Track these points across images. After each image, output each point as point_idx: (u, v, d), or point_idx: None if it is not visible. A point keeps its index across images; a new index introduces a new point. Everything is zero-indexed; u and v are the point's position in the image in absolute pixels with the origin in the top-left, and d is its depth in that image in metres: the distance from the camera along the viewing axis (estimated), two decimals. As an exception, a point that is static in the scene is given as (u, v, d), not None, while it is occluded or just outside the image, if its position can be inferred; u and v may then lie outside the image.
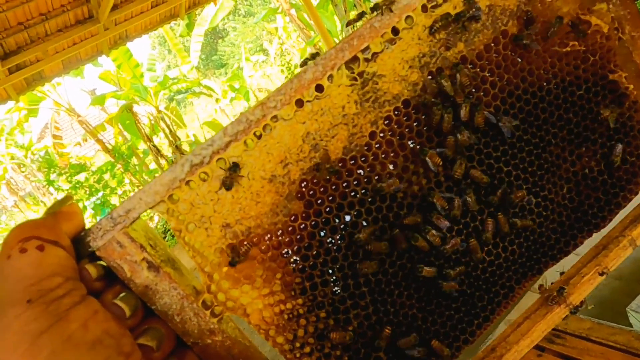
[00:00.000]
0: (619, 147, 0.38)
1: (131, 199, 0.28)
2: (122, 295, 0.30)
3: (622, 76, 0.38)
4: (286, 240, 0.32)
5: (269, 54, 19.39)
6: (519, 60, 0.37)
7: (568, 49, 0.37)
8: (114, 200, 8.63)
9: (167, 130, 8.92)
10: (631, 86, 0.39)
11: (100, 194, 8.34)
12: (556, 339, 0.84)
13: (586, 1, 0.37)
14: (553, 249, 0.40)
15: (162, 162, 8.77)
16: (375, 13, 0.34)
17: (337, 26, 10.61)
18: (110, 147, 8.40)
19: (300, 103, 0.32)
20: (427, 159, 0.34)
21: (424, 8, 0.35)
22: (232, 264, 0.33)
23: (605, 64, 0.38)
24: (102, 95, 8.79)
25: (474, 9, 0.35)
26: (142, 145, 9.30)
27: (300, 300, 0.33)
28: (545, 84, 0.38)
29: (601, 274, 0.40)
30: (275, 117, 0.31)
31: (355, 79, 0.34)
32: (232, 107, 16.37)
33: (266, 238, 0.32)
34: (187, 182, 0.30)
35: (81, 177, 8.24)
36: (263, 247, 0.32)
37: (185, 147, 9.04)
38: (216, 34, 36.45)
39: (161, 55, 36.63)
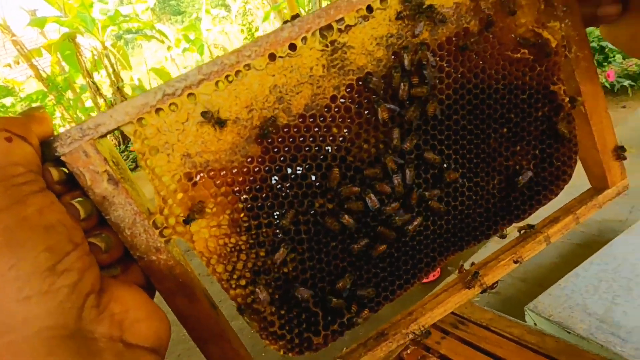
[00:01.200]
0: (529, 174, 0.44)
1: (102, 115, 0.29)
2: (79, 199, 0.31)
3: (561, 89, 0.43)
4: (239, 179, 0.35)
5: (231, 11, 18.73)
6: (475, 57, 0.40)
7: (519, 55, 0.41)
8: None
9: (110, 69, 8.42)
10: (567, 99, 0.44)
11: (26, 123, 7.79)
12: (460, 324, 0.92)
13: (542, 16, 0.41)
14: (476, 230, 0.45)
15: (100, 101, 8.31)
16: None
17: (305, -4, 10.43)
18: (44, 75, 7.81)
19: (273, 57, 0.34)
20: (378, 109, 0.37)
21: None
22: (186, 221, 0.35)
23: (549, 75, 0.43)
24: (44, 18, 8.12)
25: (440, 15, 0.38)
26: (80, 80, 8.74)
27: (244, 237, 0.35)
28: (494, 83, 0.41)
29: (515, 262, 0.45)
30: (248, 65, 0.33)
31: (327, 46, 0.36)
32: (184, 57, 15.73)
33: (222, 173, 0.34)
34: (157, 110, 0.31)
35: (7, 101, 7.63)
36: (217, 182, 0.34)
37: (128, 90, 8.60)
38: (178, -22, 34.56)
39: (115, -12, 34.30)
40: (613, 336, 0.88)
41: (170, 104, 0.32)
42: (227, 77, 0.33)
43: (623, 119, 2.02)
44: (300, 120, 0.35)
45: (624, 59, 4.52)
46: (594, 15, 0.40)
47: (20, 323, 0.23)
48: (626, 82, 4.18)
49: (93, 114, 6.00)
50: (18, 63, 8.38)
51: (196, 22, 14.36)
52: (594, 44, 4.91)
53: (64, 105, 7.89)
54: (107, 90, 8.71)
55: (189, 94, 0.32)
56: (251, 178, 0.34)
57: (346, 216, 0.37)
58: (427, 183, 0.41)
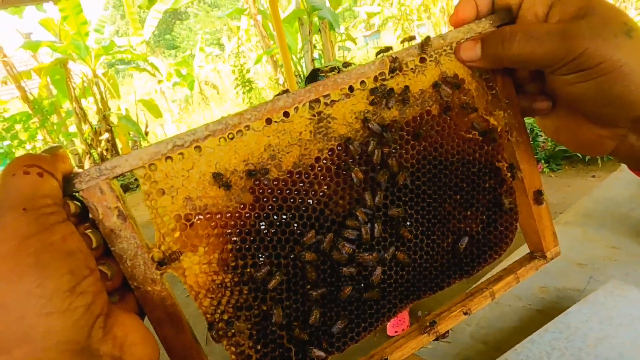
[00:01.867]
0: (465, 239, 0.50)
1: (118, 159, 0.34)
2: (90, 230, 0.35)
3: (504, 166, 0.50)
4: (232, 222, 0.39)
5: (225, 50, 19.16)
6: (435, 134, 0.47)
7: (470, 136, 0.48)
8: (19, 153, 7.99)
9: (98, 97, 8.46)
10: (509, 174, 0.51)
11: (5, 142, 7.69)
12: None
13: (489, 106, 0.48)
14: (432, 282, 0.50)
15: (85, 127, 8.29)
16: (341, 71, 0.44)
17: (297, 44, 10.78)
18: (31, 97, 7.81)
19: (269, 121, 0.40)
20: (352, 174, 0.43)
21: (375, 79, 0.45)
22: (160, 263, 0.39)
23: (495, 154, 0.50)
24: (38, 42, 8.20)
25: (406, 98, 0.45)
26: (66, 105, 8.74)
27: (230, 276, 0.39)
28: (450, 156, 0.48)
29: (465, 314, 0.50)
30: (247, 126, 0.39)
31: (314, 115, 0.42)
32: (174, 91, 15.90)
33: (217, 217, 0.38)
34: (167, 158, 0.36)
35: (-12, 120, 7.56)
36: (212, 224, 0.38)
37: (114, 118, 8.62)
38: (175, 15, 35.39)
39: (112, 18, 34.85)
40: (562, 404, 0.91)
41: (179, 153, 0.36)
42: (229, 135, 0.38)
43: (590, 189, 2.12)
44: (288, 175, 0.41)
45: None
46: (531, 108, 0.46)
47: (41, 335, 0.26)
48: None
49: (76, 140, 5.91)
50: (6, 83, 8.37)
51: (190, 58, 14.62)
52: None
53: (47, 129, 7.85)
54: (93, 117, 8.71)
55: (196, 147, 0.37)
56: (242, 222, 0.39)
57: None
58: (392, 237, 0.46)
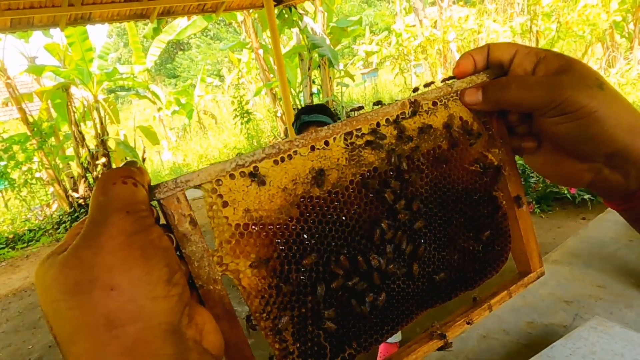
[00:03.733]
0: (442, 275, 0.56)
1: (191, 174, 0.38)
2: (167, 233, 0.40)
3: (500, 195, 0.57)
4: (280, 233, 0.45)
5: (225, 82, 19.48)
6: (444, 165, 0.54)
7: (473, 168, 0.55)
8: (15, 175, 8.00)
9: (97, 122, 8.55)
10: (504, 202, 0.58)
11: (2, 163, 7.71)
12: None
13: (487, 144, 0.55)
14: (442, 294, 0.56)
15: (83, 151, 8.33)
16: (374, 107, 0.50)
17: (297, 78, 11.02)
18: (31, 119, 7.88)
19: (313, 148, 0.46)
20: (385, 195, 0.49)
21: (397, 117, 0.52)
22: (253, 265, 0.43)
23: (492, 185, 0.57)
24: (42, 66, 8.34)
25: (424, 133, 0.52)
26: (65, 129, 8.81)
27: (276, 280, 0.45)
28: (456, 185, 0.55)
29: (467, 323, 0.56)
30: (295, 151, 0.45)
31: (348, 145, 0.49)
32: (172, 119, 16.07)
33: (269, 227, 0.44)
34: (231, 175, 0.42)
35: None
36: (264, 234, 0.44)
37: (111, 143, 8.68)
38: (178, 45, 36.08)
39: (115, 45, 35.43)
40: None
41: (240, 172, 0.42)
42: (281, 157, 0.44)
43: (578, 230, 2.18)
44: (327, 194, 0.47)
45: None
46: (520, 147, 0.53)
47: (148, 315, 0.31)
48: (586, 196, 4.47)
49: (72, 163, 5.93)
50: (7, 105, 8.45)
51: (190, 88, 14.84)
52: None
53: (44, 151, 7.88)
54: (91, 141, 8.76)
55: (254, 166, 0.42)
56: (289, 233, 0.44)
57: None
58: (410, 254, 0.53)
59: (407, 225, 0.50)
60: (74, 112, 8.28)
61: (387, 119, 0.50)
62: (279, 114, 10.97)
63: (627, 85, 9.16)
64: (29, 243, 7.66)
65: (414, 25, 15.07)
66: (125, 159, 8.89)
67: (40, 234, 7.78)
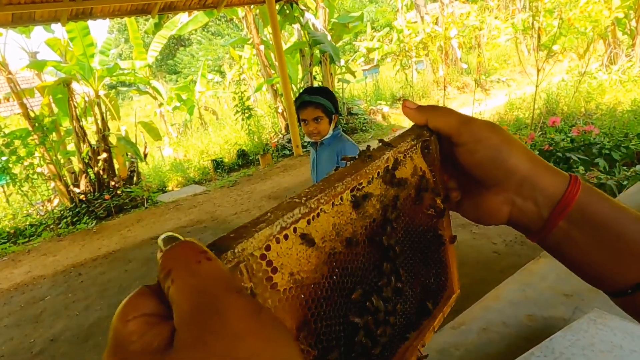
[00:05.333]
0: (414, 309, 0.58)
1: (245, 243, 0.37)
2: None
3: (444, 233, 0.60)
4: (314, 292, 0.46)
5: (226, 78, 19.48)
6: (411, 210, 0.58)
7: (429, 212, 0.58)
8: (16, 170, 8.02)
9: (98, 117, 8.56)
10: (448, 239, 0.61)
11: (3, 157, 7.72)
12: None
13: (435, 191, 0.60)
14: (413, 325, 0.58)
15: (84, 146, 8.35)
16: (364, 161, 0.52)
17: (298, 74, 11.02)
18: (32, 115, 7.89)
19: (333, 205, 0.46)
20: (383, 242, 0.51)
21: (386, 169, 0.53)
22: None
23: (438, 225, 0.61)
24: (43, 61, 8.34)
25: (402, 184, 0.55)
26: (67, 124, 8.83)
27: (305, 331, 0.45)
28: (418, 226, 0.57)
29: (422, 346, 0.58)
30: (322, 209, 0.46)
31: (353, 199, 0.50)
32: (174, 115, 16.08)
33: (307, 288, 0.45)
34: (276, 239, 0.42)
35: (-12, 133, 7.62)
36: (302, 295, 0.45)
37: (112, 139, 8.70)
38: (179, 41, 36.04)
39: (116, 41, 35.37)
40: (543, 423, 0.95)
41: (284, 235, 0.41)
42: (312, 217, 0.44)
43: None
44: (346, 248, 0.48)
45: (586, 171, 4.86)
46: (449, 197, 0.59)
47: None
48: (586, 193, 4.47)
49: (73, 158, 5.97)
50: (8, 100, 8.46)
51: (191, 84, 14.84)
52: (559, 154, 5.29)
53: (46, 146, 7.90)
54: (92, 137, 8.78)
55: (294, 228, 0.42)
56: (320, 291, 0.45)
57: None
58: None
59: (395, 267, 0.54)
60: (75, 108, 8.29)
61: (378, 172, 0.53)
62: (280, 110, 10.97)
63: (628, 82, 9.15)
64: (31, 238, 7.69)
65: (415, 22, 15.05)
66: (127, 154, 8.92)
67: (42, 229, 7.80)
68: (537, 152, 5.49)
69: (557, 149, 5.36)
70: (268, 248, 0.40)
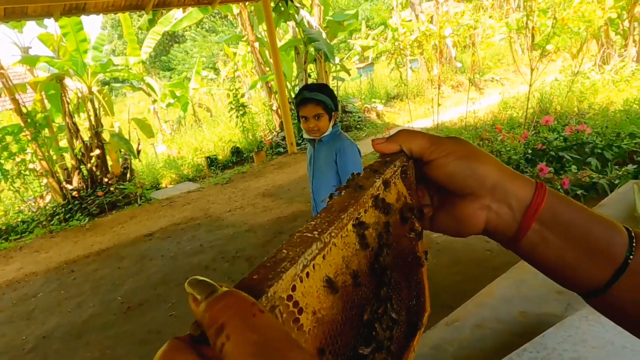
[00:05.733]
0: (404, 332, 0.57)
1: (276, 285, 0.36)
2: None
3: (422, 254, 0.60)
4: (332, 329, 0.45)
5: (220, 75, 19.40)
6: (398, 236, 0.57)
7: (410, 235, 0.58)
8: (8, 166, 7.95)
9: (91, 113, 8.51)
10: (424, 260, 0.61)
11: (-5, 153, 7.66)
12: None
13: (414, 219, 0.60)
14: (405, 346, 0.59)
15: (76, 143, 8.29)
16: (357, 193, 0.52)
17: (293, 72, 11.01)
18: (24, 110, 7.82)
19: (340, 237, 0.46)
20: (379, 269, 0.52)
21: (376, 197, 0.54)
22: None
23: (417, 247, 0.60)
24: (36, 57, 8.28)
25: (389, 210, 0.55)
26: (59, 120, 8.76)
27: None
28: (402, 249, 0.58)
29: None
30: (333, 242, 0.45)
31: (355, 230, 0.49)
32: (167, 112, 16.01)
33: (325, 322, 0.44)
34: (300, 278, 0.41)
35: (-21, 130, 7.55)
36: (323, 331, 0.44)
37: (106, 135, 8.65)
38: (173, 37, 35.86)
39: (109, 37, 35.12)
40: (536, 418, 0.96)
41: (306, 273, 0.40)
42: (327, 251, 0.44)
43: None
44: (354, 280, 0.48)
45: (578, 170, 4.90)
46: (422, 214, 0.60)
47: None
48: (579, 191, 4.51)
49: (66, 155, 5.92)
50: (0, 96, 8.38)
51: (185, 80, 14.78)
52: (552, 153, 5.32)
53: (38, 143, 7.84)
54: (85, 133, 8.72)
55: (314, 264, 0.41)
56: (335, 327, 0.44)
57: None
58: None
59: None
60: (68, 104, 8.23)
61: (372, 200, 0.54)
62: (274, 108, 10.94)
63: (621, 82, 9.22)
64: (22, 235, 7.64)
65: (410, 20, 15.07)
66: (120, 151, 8.87)
67: (34, 225, 7.75)
68: (531, 151, 5.53)
69: (550, 148, 5.40)
70: (294, 289, 0.39)
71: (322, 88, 2.52)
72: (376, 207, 0.54)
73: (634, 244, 0.43)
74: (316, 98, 2.44)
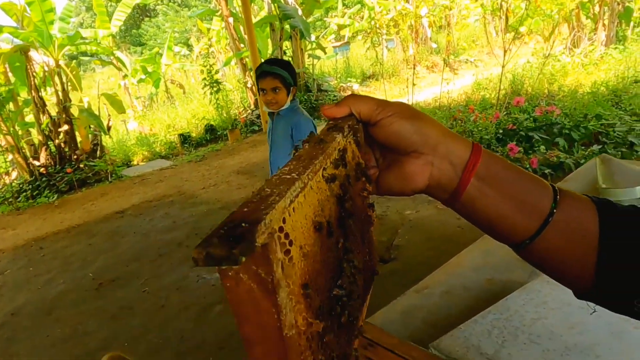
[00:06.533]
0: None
1: (271, 214, 0.36)
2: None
3: (373, 212, 0.62)
4: (312, 263, 0.45)
5: (193, 51, 18.96)
6: (354, 193, 0.58)
7: (363, 194, 0.59)
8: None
9: (59, 88, 8.23)
10: (374, 218, 0.63)
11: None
12: (369, 347, 1.03)
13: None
14: (364, 298, 0.61)
15: (43, 118, 8.02)
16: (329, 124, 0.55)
17: (268, 49, 10.85)
18: (-13, 83, 7.51)
19: (315, 182, 0.47)
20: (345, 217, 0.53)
21: (339, 151, 0.55)
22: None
23: (367, 206, 0.62)
24: (-2, 27, 7.92)
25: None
26: (25, 95, 8.45)
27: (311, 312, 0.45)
28: (357, 208, 0.59)
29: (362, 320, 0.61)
30: (310, 185, 0.45)
31: (325, 179, 0.50)
32: (139, 88, 15.60)
33: (309, 258, 0.44)
34: (288, 212, 0.41)
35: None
36: (307, 269, 0.43)
37: (74, 111, 8.39)
38: (144, 11, 34.75)
39: (77, 9, 33.78)
40: (498, 372, 1.02)
41: (292, 208, 0.41)
42: (306, 192, 0.44)
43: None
44: (328, 224, 0.49)
45: (546, 149, 5.03)
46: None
47: None
48: (547, 170, 4.64)
49: (32, 130, 5.72)
50: (-40, 67, 8.01)
51: (157, 56, 14.39)
52: (522, 133, 5.44)
53: (2, 117, 7.56)
54: (52, 108, 8.45)
55: (297, 201, 0.42)
56: (315, 266, 0.45)
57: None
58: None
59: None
60: (33, 77, 7.94)
61: (336, 153, 0.54)
62: (249, 85, 10.80)
63: (589, 66, 9.44)
64: (-13, 212, 7.42)
65: (386, -1, 14.98)
66: (90, 127, 8.64)
67: (0, 202, 7.53)
68: (502, 131, 5.64)
69: (521, 128, 5.52)
70: (284, 221, 0.40)
71: (282, 63, 2.59)
72: (337, 160, 0.55)
73: (558, 198, 0.47)
74: (274, 72, 2.50)
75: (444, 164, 0.52)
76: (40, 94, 8.03)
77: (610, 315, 1.06)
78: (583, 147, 4.99)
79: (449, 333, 1.12)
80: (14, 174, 8.23)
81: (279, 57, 10.32)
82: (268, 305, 0.36)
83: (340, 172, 0.55)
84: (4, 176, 8.22)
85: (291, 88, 2.59)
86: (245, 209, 0.37)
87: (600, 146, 4.86)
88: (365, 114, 0.55)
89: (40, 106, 8.00)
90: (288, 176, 0.45)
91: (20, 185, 7.86)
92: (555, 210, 0.47)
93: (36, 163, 8.02)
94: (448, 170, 0.52)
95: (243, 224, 0.34)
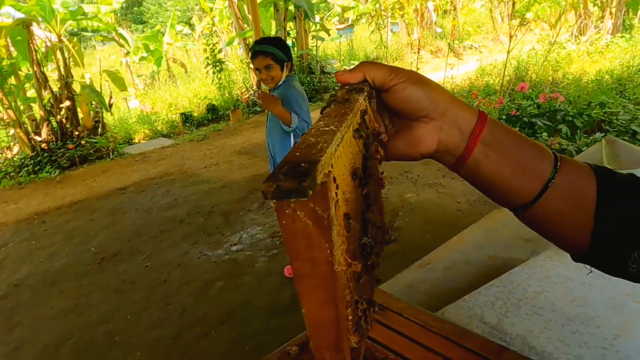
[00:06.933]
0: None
1: (325, 157, 0.37)
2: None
3: (383, 177, 0.62)
4: (351, 210, 0.47)
5: (195, 30, 18.78)
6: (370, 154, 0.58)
7: (378, 157, 0.59)
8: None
9: (61, 63, 8.17)
10: (384, 181, 0.62)
11: (-42, 102, 7.33)
12: (380, 311, 1.06)
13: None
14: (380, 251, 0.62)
15: (45, 93, 7.99)
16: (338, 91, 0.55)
17: (272, 29, 10.75)
18: (-12, 56, 7.45)
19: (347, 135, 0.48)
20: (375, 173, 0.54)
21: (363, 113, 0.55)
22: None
23: (378, 170, 0.61)
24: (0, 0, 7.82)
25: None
26: (26, 69, 8.39)
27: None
28: (374, 170, 0.59)
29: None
30: (344, 138, 0.46)
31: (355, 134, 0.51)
32: (140, 66, 15.50)
33: (349, 205, 0.45)
34: (334, 159, 0.41)
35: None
36: (349, 213, 0.46)
37: (76, 87, 8.36)
38: (146, -12, 34.27)
39: (78, -15, 33.35)
40: (500, 340, 1.04)
41: (337, 155, 0.42)
42: (344, 144, 0.46)
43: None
44: (364, 175, 0.51)
45: (549, 136, 5.04)
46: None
47: None
48: (548, 157, 4.65)
49: (34, 105, 5.67)
50: (-39, 40, 7.93)
51: (159, 34, 14.27)
52: (525, 119, 5.44)
53: (4, 91, 7.52)
54: (53, 84, 8.40)
55: (338, 152, 0.43)
56: (351, 213, 0.47)
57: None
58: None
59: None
60: (35, 52, 7.88)
61: (360, 113, 0.55)
62: (251, 66, 10.72)
63: (595, 54, 9.37)
64: (-11, 186, 7.43)
65: (392, -18, 14.79)
66: (91, 104, 8.61)
67: (1, 176, 7.54)
68: (505, 117, 5.63)
69: (524, 114, 5.51)
70: (332, 166, 0.41)
71: (273, 40, 2.65)
72: (361, 120, 0.56)
73: (558, 163, 0.50)
74: (264, 50, 2.56)
75: (452, 129, 0.54)
76: (42, 69, 7.98)
77: (612, 289, 1.08)
78: (585, 135, 4.99)
79: (453, 303, 1.15)
80: (16, 149, 8.22)
81: (283, 38, 10.24)
82: (321, 241, 0.37)
83: (364, 131, 0.57)
84: (5, 150, 8.22)
85: (285, 63, 2.64)
86: (298, 153, 0.38)
87: (603, 134, 4.86)
88: (379, 79, 0.56)
89: (42, 81, 7.96)
90: (327, 128, 0.46)
91: (22, 160, 7.86)
92: (555, 175, 0.49)
93: (38, 138, 8.00)
94: (455, 136, 0.54)
95: (302, 164, 0.36)
